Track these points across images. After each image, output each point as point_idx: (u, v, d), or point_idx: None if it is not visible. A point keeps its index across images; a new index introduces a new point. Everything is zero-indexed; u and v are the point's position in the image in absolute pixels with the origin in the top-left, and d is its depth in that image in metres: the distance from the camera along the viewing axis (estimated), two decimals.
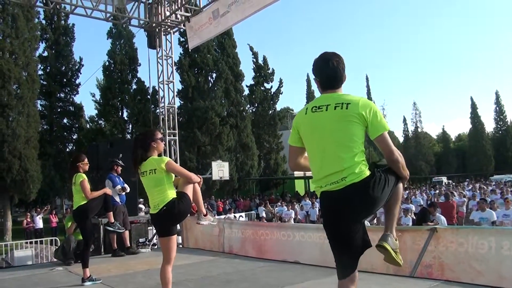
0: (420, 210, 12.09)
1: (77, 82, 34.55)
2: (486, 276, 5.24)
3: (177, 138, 14.04)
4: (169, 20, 13.85)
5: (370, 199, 2.88)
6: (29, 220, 22.11)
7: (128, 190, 9.47)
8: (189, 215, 5.13)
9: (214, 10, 12.34)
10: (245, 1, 11.15)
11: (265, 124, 38.95)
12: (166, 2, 13.73)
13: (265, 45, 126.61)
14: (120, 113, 34.86)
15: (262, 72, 39.73)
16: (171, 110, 14.13)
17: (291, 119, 46.56)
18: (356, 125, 2.88)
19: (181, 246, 10.30)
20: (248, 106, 38.80)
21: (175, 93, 14.57)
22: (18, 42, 25.58)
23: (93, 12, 12.84)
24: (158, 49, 14.16)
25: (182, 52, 33.04)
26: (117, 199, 9.17)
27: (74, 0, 12.29)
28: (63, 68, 33.96)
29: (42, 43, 32.04)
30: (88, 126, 37.35)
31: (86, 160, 6.73)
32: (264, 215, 21.02)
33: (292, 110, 48.43)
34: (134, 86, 34.75)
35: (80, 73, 34.80)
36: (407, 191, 25.69)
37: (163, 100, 14.09)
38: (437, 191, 24.03)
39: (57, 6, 12.95)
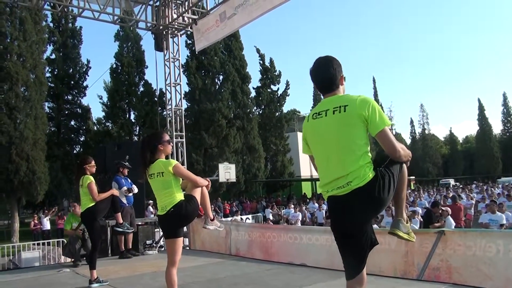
0: (425, 212, 11.99)
1: (84, 84, 34.81)
2: (494, 280, 5.21)
3: (184, 140, 14.07)
4: (176, 23, 13.89)
5: (376, 201, 2.89)
6: (36, 221, 22.19)
7: (136, 191, 9.51)
8: (196, 217, 5.13)
9: (221, 13, 12.36)
10: (252, 3, 11.16)
11: (272, 126, 38.90)
12: (173, 5, 13.78)
13: (272, 47, 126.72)
14: (127, 115, 34.99)
15: (269, 74, 39.70)
16: (178, 113, 14.17)
17: (297, 121, 46.53)
18: (357, 127, 2.87)
19: (188, 248, 10.33)
20: (255, 108, 38.78)
21: (182, 95, 14.60)
22: (26, 45, 25.69)
23: (100, 15, 12.90)
24: (165, 52, 14.20)
25: (189, 54, 33.11)
26: (124, 200, 9.20)
27: (82, 3, 12.35)
28: (71, 70, 34.14)
29: (49, 45, 32.30)
30: (95, 128, 37.56)
31: (93, 162, 6.75)
32: (271, 217, 21.00)
33: (299, 112, 48.43)
34: (142, 89, 34.90)
35: (88, 76, 35.06)
36: (414, 194, 25.60)
37: (170, 103, 14.12)
38: (443, 194, 23.84)
39: (65, 9, 13.02)
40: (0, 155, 24.26)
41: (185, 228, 9.81)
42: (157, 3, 13.91)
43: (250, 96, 37.28)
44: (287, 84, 40.24)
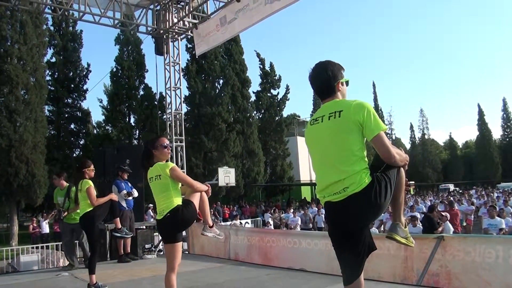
0: (426, 219, 11.78)
1: (84, 88, 34.70)
2: (494, 286, 5.20)
3: (183, 144, 14.08)
4: (176, 27, 13.93)
5: (373, 207, 2.87)
6: (35, 225, 22.17)
7: (136, 195, 9.51)
8: (195, 221, 5.11)
9: (221, 17, 12.40)
10: (252, 8, 11.19)
11: (272, 131, 38.91)
12: (174, 9, 13.82)
13: (272, 51, 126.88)
14: (127, 119, 34.99)
15: (269, 78, 39.75)
16: (178, 116, 14.18)
17: (297, 126, 46.54)
18: (352, 133, 2.85)
19: (187, 252, 10.30)
20: (255, 112, 38.80)
21: (182, 99, 14.62)
22: (26, 48, 25.71)
23: (101, 19, 12.93)
24: (165, 56, 14.24)
25: (189, 58, 33.16)
26: (124, 204, 9.19)
27: (82, 7, 12.38)
28: (71, 74, 34.10)
29: (50, 49, 32.26)
30: (95, 131, 37.53)
31: (92, 166, 6.75)
32: (270, 221, 20.97)
33: (299, 117, 48.35)
34: (142, 92, 34.89)
35: (88, 79, 34.94)
36: (412, 199, 25.57)
37: (170, 106, 14.14)
38: (440, 200, 23.77)
39: (66, 13, 13.06)
40: None
41: (184, 233, 9.82)
42: (158, 8, 13.96)
43: (250, 100, 37.31)
44: (287, 88, 40.31)
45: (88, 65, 34.99)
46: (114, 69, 34.17)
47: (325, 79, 3.05)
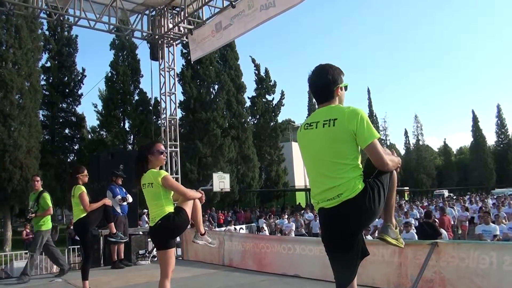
0: (427, 225, 11.45)
1: (79, 92, 34.70)
2: None
3: (178, 149, 14.05)
4: (172, 33, 13.93)
5: (367, 213, 2.88)
6: (28, 230, 22.01)
7: (130, 200, 9.49)
8: (189, 227, 5.09)
9: (216, 23, 12.42)
10: (248, 15, 11.22)
11: (267, 136, 38.96)
12: (169, 15, 13.83)
13: (267, 57, 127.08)
14: (122, 124, 34.92)
15: (264, 84, 39.83)
16: (172, 122, 14.17)
17: (292, 131, 46.58)
18: (346, 142, 2.86)
19: (180, 258, 10.27)
20: (250, 117, 38.86)
21: (177, 105, 14.61)
22: (21, 53, 25.67)
23: (96, 24, 12.92)
24: (160, 61, 14.23)
25: (184, 63, 33.17)
26: (118, 209, 9.17)
27: (78, 12, 12.37)
28: (66, 78, 34.06)
29: (45, 53, 32.24)
30: (89, 136, 37.47)
31: (85, 171, 6.72)
32: (264, 227, 20.95)
33: (294, 122, 48.40)
34: (136, 97, 34.85)
35: (83, 84, 34.95)
36: (407, 205, 25.57)
37: (164, 112, 14.13)
38: (434, 206, 23.77)
39: (61, 18, 13.03)
40: None
41: (178, 238, 9.79)
42: (153, 13, 13.96)
43: (245, 106, 37.38)
44: (282, 94, 40.45)
45: (83, 69, 35.05)
46: (109, 74, 34.17)
47: (325, 83, 3.03)
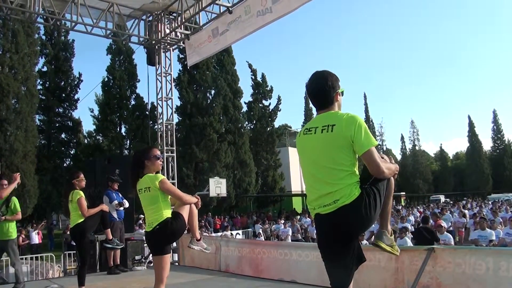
0: (426, 231, 11.24)
1: (76, 97, 34.55)
2: None
3: (174, 154, 14.04)
4: (168, 38, 13.95)
5: (363, 219, 2.89)
6: (23, 236, 21.90)
7: (127, 205, 9.47)
8: (186, 232, 5.09)
9: (213, 29, 12.44)
10: (244, 20, 11.25)
11: (263, 141, 38.93)
12: (166, 20, 13.85)
13: (264, 62, 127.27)
14: (118, 129, 34.82)
15: (261, 89, 39.84)
16: (169, 127, 14.16)
17: (289, 136, 46.62)
18: (343, 148, 2.88)
19: (177, 264, 10.25)
20: (246, 123, 38.88)
21: (174, 110, 14.61)
22: (18, 57, 25.65)
23: (93, 29, 12.93)
24: (157, 66, 14.24)
25: (181, 68, 33.11)
26: (115, 215, 9.15)
27: (75, 17, 12.38)
28: (62, 83, 33.99)
29: (41, 58, 32.18)
30: (86, 141, 37.37)
31: (82, 176, 6.70)
32: (261, 232, 20.93)
33: (290, 128, 48.48)
34: (133, 102, 34.78)
35: (79, 89, 34.83)
36: (404, 210, 25.58)
37: (161, 117, 14.13)
38: (430, 211, 23.70)
39: (58, 23, 13.03)
40: None
41: (174, 244, 9.77)
42: (150, 18, 13.98)
43: (242, 111, 37.36)
44: (279, 99, 40.43)
45: (80, 74, 34.95)
46: (106, 79, 34.07)
47: (326, 90, 3.06)
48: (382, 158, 3.00)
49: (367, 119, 73.12)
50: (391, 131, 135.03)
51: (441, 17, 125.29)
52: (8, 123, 24.90)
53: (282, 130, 43.74)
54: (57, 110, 33.79)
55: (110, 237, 7.30)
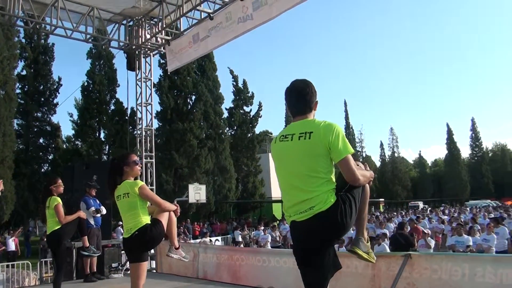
0: (402, 236, 11.32)
1: (55, 101, 34.25)
2: None
3: (153, 160, 13.93)
4: (149, 43, 13.88)
5: (338, 226, 2.92)
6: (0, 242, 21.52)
7: (104, 212, 9.35)
8: (164, 239, 5.06)
9: (194, 34, 12.42)
10: (226, 27, 11.26)
11: (244, 147, 38.97)
12: (146, 25, 13.79)
13: (245, 68, 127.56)
14: (97, 134, 34.58)
15: (242, 95, 39.93)
16: (148, 133, 14.07)
17: (269, 143, 46.57)
18: (320, 155, 2.91)
19: (154, 271, 10.17)
20: (227, 129, 38.91)
21: (153, 115, 14.52)
22: None
23: (73, 33, 12.81)
24: (137, 71, 14.15)
25: (162, 74, 33.02)
26: (92, 221, 9.02)
27: (55, 21, 12.25)
28: (41, 87, 33.64)
29: (21, 61, 31.84)
30: (64, 146, 36.96)
31: (59, 182, 6.63)
32: (240, 239, 20.87)
33: (271, 134, 48.55)
34: (112, 107, 34.59)
35: (59, 93, 34.53)
36: (382, 216, 25.74)
37: (140, 122, 14.03)
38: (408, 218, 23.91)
39: (37, 26, 12.88)
40: None
41: (152, 251, 9.69)
42: (131, 23, 13.91)
43: (223, 117, 37.36)
44: (260, 105, 40.54)
45: (59, 78, 34.65)
46: (86, 83, 33.86)
47: (307, 98, 3.11)
48: (358, 165, 3.04)
49: (347, 126, 73.73)
50: (370, 138, 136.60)
51: (421, 25, 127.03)
52: None
53: (263, 136, 43.81)
54: (35, 114, 33.42)
55: (87, 244, 7.22)
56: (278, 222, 26.53)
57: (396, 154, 78.90)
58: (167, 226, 4.64)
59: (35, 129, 33.72)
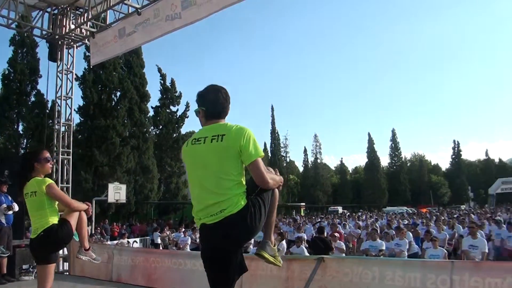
0: (320, 240, 11.49)
1: None
2: None
3: (71, 157, 13.39)
4: (73, 34, 13.38)
5: (247, 229, 2.94)
6: None
7: (16, 209, 8.85)
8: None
9: (120, 29, 12.12)
10: (153, 23, 11.08)
11: (168, 147, 38.48)
12: (72, 15, 13.28)
13: (174, 67, 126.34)
14: (15, 126, 32.88)
15: (169, 94, 39.41)
16: (67, 128, 13.54)
17: None
18: (232, 158, 2.94)
19: (67, 273, 9.77)
20: (152, 127, 38.24)
21: (75, 109, 14.04)
22: None
23: None
24: (58, 62, 13.59)
25: (86, 67, 31.93)
26: (3, 219, 8.54)
27: None
28: None
29: None
30: None
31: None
32: (159, 241, 20.53)
33: None
34: (33, 99, 32.92)
35: None
36: (301, 220, 26.25)
37: (60, 116, 13.48)
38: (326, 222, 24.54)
39: None
40: None
41: (66, 251, 9.33)
42: (55, 11, 13.33)
43: (148, 115, 36.71)
44: (187, 105, 40.10)
45: None
46: (6, 72, 32.12)
47: (220, 103, 3.16)
48: (268, 169, 3.10)
49: (273, 131, 74.76)
50: (295, 143, 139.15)
51: (351, 36, 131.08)
52: None
53: (188, 136, 43.41)
54: None
55: None
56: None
57: (319, 160, 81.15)
58: (77, 226, 4.52)
59: None
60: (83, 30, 13.45)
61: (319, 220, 24.96)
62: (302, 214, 51.12)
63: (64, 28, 13.23)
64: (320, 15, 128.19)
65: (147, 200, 34.45)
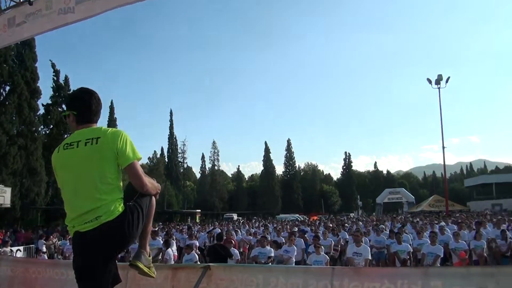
0: (220, 247, 11.35)
1: None
2: None
3: None
4: None
5: (124, 237, 2.86)
6: None
7: None
8: None
9: (10, 18, 11.34)
10: (44, 15, 10.49)
11: None
12: None
13: (70, 65, 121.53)
14: None
15: (62, 92, 37.69)
16: None
17: None
18: (108, 160, 2.85)
19: None
20: (42, 127, 36.36)
21: None
22: None
23: None
24: None
25: None
26: None
27: None
28: None
29: None
30: None
31: None
32: (43, 249, 19.42)
33: None
34: None
35: None
36: (196, 227, 26.15)
37: None
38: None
39: None
40: None
41: None
42: None
43: (38, 113, 34.81)
44: None
45: None
46: None
47: (93, 107, 3.08)
48: (146, 175, 3.04)
49: (171, 136, 74.13)
50: (193, 150, 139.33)
51: (245, 42, 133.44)
52: None
53: None
54: None
55: None
56: None
57: (216, 167, 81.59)
58: None
59: None
60: None
61: (212, 227, 24.96)
62: (197, 221, 50.95)
63: None
64: (211, 19, 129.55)
65: (33, 205, 32.62)
